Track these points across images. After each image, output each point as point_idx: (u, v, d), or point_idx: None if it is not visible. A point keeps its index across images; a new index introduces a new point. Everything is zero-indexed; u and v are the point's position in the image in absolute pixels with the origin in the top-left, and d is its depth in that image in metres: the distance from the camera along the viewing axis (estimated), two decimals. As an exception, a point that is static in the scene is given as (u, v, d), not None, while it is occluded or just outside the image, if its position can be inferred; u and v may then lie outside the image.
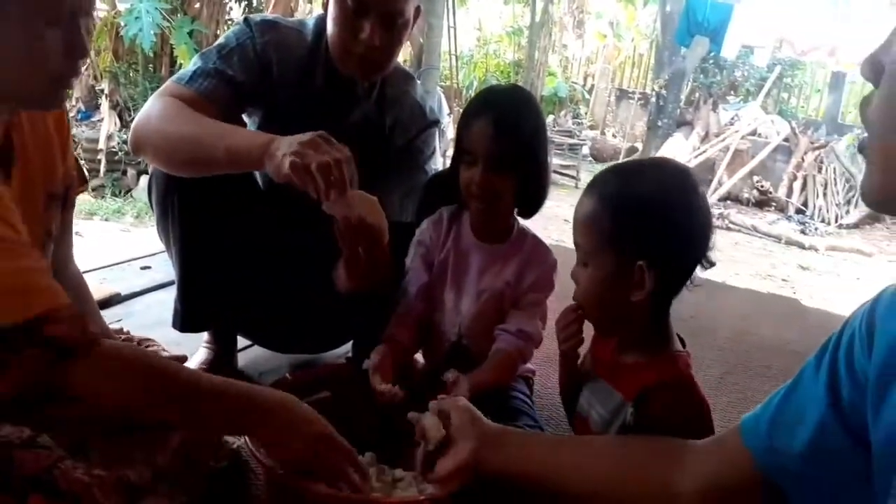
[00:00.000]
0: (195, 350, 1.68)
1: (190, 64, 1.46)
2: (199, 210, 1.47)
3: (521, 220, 1.54)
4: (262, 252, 1.59)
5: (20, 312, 0.88)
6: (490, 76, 9.63)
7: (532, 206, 1.48)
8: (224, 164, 1.30)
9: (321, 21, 1.52)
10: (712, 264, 1.07)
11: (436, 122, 1.65)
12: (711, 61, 8.78)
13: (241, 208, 1.49)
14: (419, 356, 1.64)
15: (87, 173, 1.33)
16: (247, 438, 1.16)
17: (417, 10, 1.48)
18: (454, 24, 6.93)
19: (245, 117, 1.57)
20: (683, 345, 1.11)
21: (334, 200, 1.19)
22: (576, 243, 1.11)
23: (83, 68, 1.01)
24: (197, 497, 1.27)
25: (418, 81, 1.66)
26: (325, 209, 1.21)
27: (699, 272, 1.08)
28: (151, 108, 1.38)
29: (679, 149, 7.51)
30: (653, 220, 1.02)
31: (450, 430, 1.03)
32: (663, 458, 0.92)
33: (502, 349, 1.45)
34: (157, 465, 1.18)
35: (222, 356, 1.67)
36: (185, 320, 1.59)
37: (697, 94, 8.89)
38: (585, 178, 7.05)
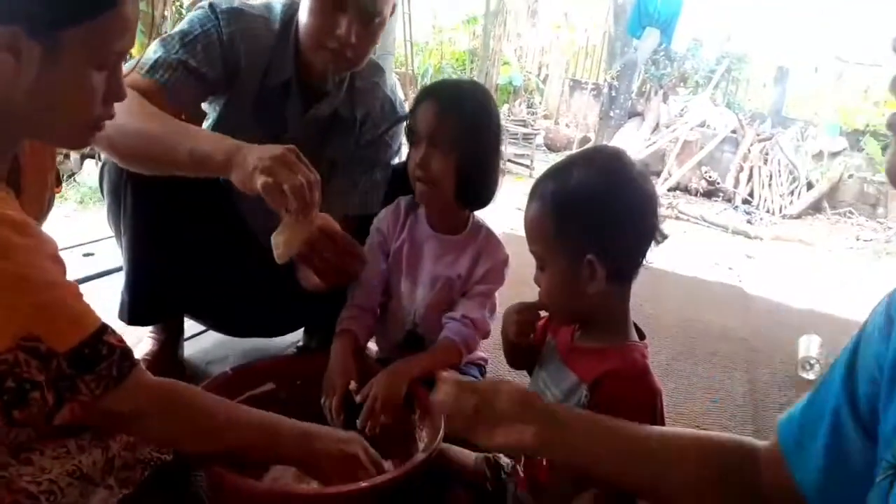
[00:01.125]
0: (139, 339, 1.64)
1: (149, 50, 1.39)
2: (152, 201, 1.43)
3: (476, 214, 1.56)
4: (213, 241, 1.55)
5: (78, 334, 0.89)
6: (445, 64, 9.60)
7: (477, 196, 1.48)
8: (186, 167, 1.24)
9: (289, 8, 1.48)
10: (665, 237, 1.09)
11: (405, 117, 1.63)
12: (662, 53, 8.89)
13: (193, 197, 1.45)
14: (372, 344, 1.64)
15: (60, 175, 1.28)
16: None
17: (393, 6, 1.47)
18: (409, 10, 6.88)
19: (205, 105, 1.53)
20: (641, 335, 1.13)
21: (300, 221, 1.18)
22: (530, 249, 1.12)
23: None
24: (141, 488, 1.24)
25: (387, 73, 1.65)
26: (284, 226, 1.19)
27: (653, 248, 1.09)
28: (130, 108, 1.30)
29: (631, 139, 7.61)
30: (590, 212, 1.04)
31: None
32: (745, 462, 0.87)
33: (446, 337, 1.46)
34: (111, 452, 1.16)
35: (167, 347, 1.64)
36: (133, 313, 1.54)
37: (648, 86, 9.00)
38: (539, 167, 7.09)
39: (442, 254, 1.52)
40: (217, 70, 1.42)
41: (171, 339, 1.66)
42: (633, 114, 8.44)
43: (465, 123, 1.39)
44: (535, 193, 1.11)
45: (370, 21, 1.39)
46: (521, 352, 1.27)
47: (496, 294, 1.56)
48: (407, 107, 1.61)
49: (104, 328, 0.93)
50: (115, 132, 1.25)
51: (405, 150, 1.64)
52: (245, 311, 1.66)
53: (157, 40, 1.43)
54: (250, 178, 1.15)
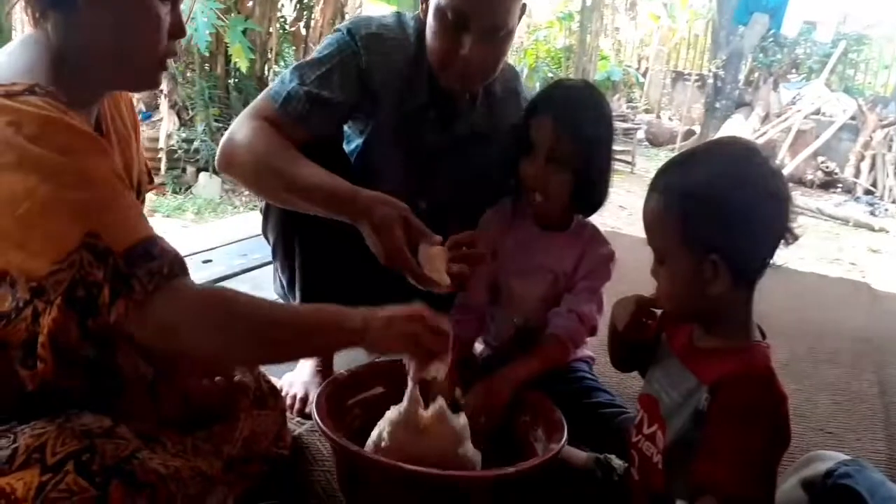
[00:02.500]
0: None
1: (284, 78, 1.41)
2: (320, 249, 1.48)
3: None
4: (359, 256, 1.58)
5: (135, 234, 0.95)
6: (541, 63, 9.52)
7: (590, 205, 1.49)
8: (320, 211, 1.32)
9: (422, 24, 1.45)
10: (796, 238, 1.02)
11: None
12: (771, 39, 8.47)
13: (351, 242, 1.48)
14: (478, 344, 1.65)
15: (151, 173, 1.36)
16: (316, 416, 1.19)
17: (523, 8, 1.40)
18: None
19: (346, 127, 1.56)
20: (763, 335, 1.07)
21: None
22: (649, 243, 1.07)
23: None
24: (260, 482, 1.30)
25: (521, 77, 1.60)
26: None
27: (781, 248, 1.03)
28: (244, 132, 1.35)
29: (739, 131, 7.28)
30: (719, 208, 0.98)
31: None
32: None
33: (552, 334, 1.45)
34: (225, 456, 1.22)
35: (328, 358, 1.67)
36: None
37: (757, 74, 8.59)
38: (641, 163, 6.91)
39: (549, 250, 1.52)
40: (353, 98, 1.42)
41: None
42: (741, 104, 8.08)
43: (583, 139, 1.37)
44: (658, 185, 1.05)
45: (495, 35, 1.34)
46: (629, 350, 1.24)
47: (602, 291, 1.53)
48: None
49: (158, 236, 0.98)
50: (252, 172, 1.34)
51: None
52: None
53: (292, 68, 1.43)
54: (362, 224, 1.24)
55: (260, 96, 1.43)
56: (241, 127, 1.36)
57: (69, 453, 0.98)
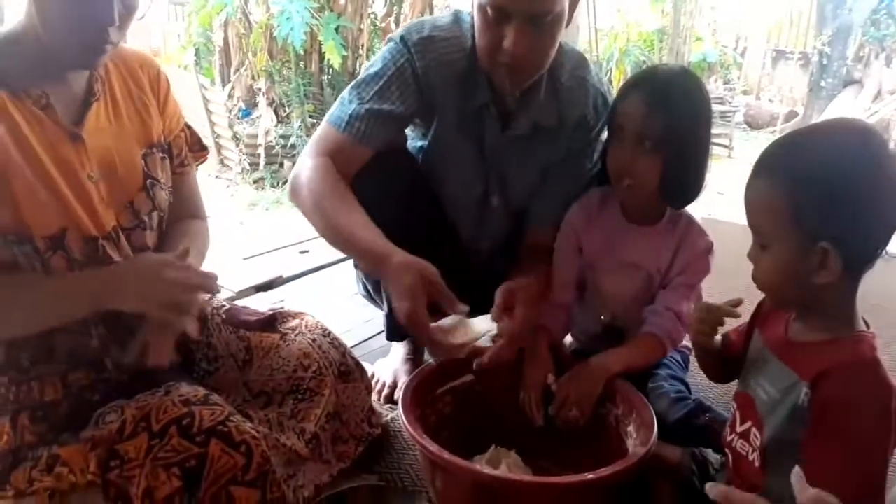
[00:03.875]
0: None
1: (344, 100, 1.42)
2: None
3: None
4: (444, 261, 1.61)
5: None
6: (632, 46, 9.27)
7: (684, 193, 1.40)
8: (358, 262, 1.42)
9: None
10: None
11: (607, 106, 1.52)
12: (884, 11, 7.93)
13: (433, 231, 1.52)
14: (568, 338, 1.63)
15: (210, 149, 1.46)
16: (401, 411, 1.22)
17: None
18: (593, -5, 6.74)
19: (408, 130, 1.57)
20: (867, 326, 1.02)
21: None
22: (750, 225, 1.03)
23: (116, 38, 1.10)
24: (351, 463, 1.35)
25: (591, 63, 1.52)
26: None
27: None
28: (306, 172, 1.37)
29: (847, 109, 6.88)
30: (834, 192, 0.92)
31: None
32: None
33: (648, 332, 1.41)
34: (308, 434, 1.28)
35: (419, 350, 1.73)
36: (393, 336, 1.69)
37: (867, 49, 8.07)
38: (739, 146, 6.64)
39: (640, 246, 1.46)
40: (413, 106, 1.42)
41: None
42: (850, 82, 7.62)
43: (676, 121, 1.30)
44: (765, 165, 1.00)
45: (541, 22, 1.27)
46: (713, 359, 1.20)
47: (701, 285, 1.48)
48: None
49: None
50: (309, 210, 1.37)
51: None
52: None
53: (351, 87, 1.43)
54: (394, 302, 1.24)
55: (323, 124, 1.44)
56: (304, 163, 1.39)
57: (171, 419, 1.08)
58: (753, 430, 1.07)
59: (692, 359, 1.57)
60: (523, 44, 1.27)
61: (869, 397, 0.93)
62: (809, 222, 0.94)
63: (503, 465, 1.13)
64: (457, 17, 1.46)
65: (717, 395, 1.71)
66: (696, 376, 1.51)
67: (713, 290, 1.47)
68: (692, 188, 1.39)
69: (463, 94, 1.43)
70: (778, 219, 0.97)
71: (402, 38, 1.41)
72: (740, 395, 1.13)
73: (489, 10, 1.27)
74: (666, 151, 1.31)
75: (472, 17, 1.39)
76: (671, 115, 1.29)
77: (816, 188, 0.93)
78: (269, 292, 2.27)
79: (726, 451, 1.15)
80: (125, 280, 1.12)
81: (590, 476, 1.06)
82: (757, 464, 1.06)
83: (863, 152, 0.94)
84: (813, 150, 0.98)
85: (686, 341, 1.52)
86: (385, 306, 1.61)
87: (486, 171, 1.50)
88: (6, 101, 1.06)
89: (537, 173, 1.51)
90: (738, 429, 1.11)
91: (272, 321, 1.44)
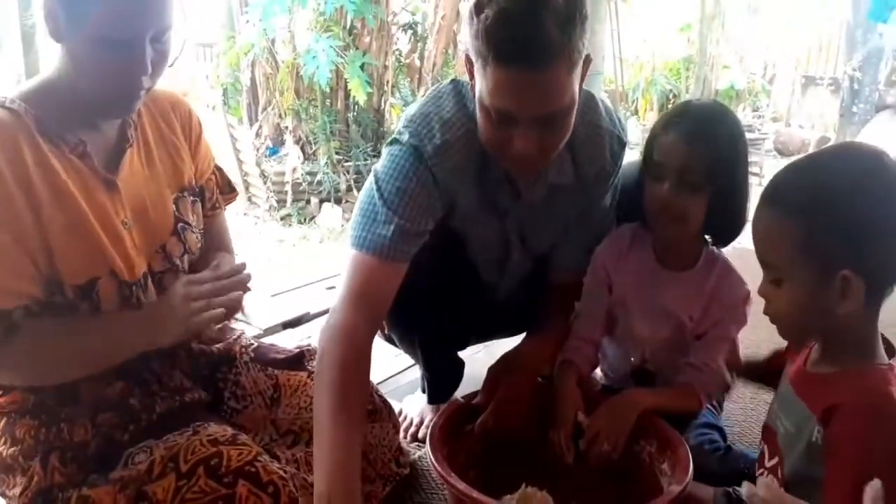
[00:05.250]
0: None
1: (373, 217, 1.29)
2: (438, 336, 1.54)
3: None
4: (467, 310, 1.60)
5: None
6: (658, 75, 9.28)
7: (726, 233, 1.36)
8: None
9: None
10: None
11: (624, 147, 1.47)
12: (915, 35, 7.83)
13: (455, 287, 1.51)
14: (598, 373, 1.61)
15: (238, 187, 1.50)
16: (429, 451, 1.20)
17: (587, 62, 1.19)
18: (617, 26, 6.77)
19: None
20: (891, 353, 0.98)
21: None
22: (761, 260, 0.99)
23: (149, 85, 1.12)
24: (379, 503, 1.33)
25: (598, 99, 1.42)
26: None
27: None
28: (329, 352, 1.23)
29: (881, 134, 6.76)
30: (847, 218, 0.90)
31: None
32: None
33: (687, 383, 1.38)
34: None
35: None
36: (435, 399, 1.66)
37: (899, 73, 7.97)
38: (769, 174, 6.55)
39: (672, 290, 1.41)
40: (438, 213, 1.34)
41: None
42: (883, 107, 7.48)
43: (719, 156, 1.26)
44: (773, 197, 0.97)
45: (552, 119, 1.16)
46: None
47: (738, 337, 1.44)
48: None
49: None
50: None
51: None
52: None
53: (370, 205, 1.31)
54: None
55: (355, 251, 1.31)
56: (333, 327, 1.25)
57: (199, 459, 1.08)
58: (779, 464, 1.04)
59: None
60: (533, 145, 1.17)
61: (879, 434, 0.89)
62: (825, 251, 0.91)
63: None
64: (459, 95, 1.33)
65: (747, 429, 1.66)
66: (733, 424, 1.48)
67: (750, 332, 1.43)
68: (737, 223, 1.35)
69: (478, 177, 1.36)
70: (790, 250, 0.94)
71: (415, 147, 1.29)
72: (765, 428, 1.11)
73: (493, 114, 1.16)
74: (711, 188, 1.28)
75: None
76: (714, 149, 1.26)
77: (830, 214, 0.91)
78: (297, 329, 2.28)
79: None
80: (162, 316, 1.15)
81: None
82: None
83: (875, 173, 0.92)
84: (822, 176, 0.95)
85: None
86: (424, 379, 1.63)
87: (505, 233, 1.46)
88: (45, 148, 1.08)
89: (559, 229, 1.48)
90: (767, 464, 1.08)
91: (300, 359, 1.44)
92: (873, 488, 0.62)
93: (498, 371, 1.40)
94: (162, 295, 1.20)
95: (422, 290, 1.35)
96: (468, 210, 1.39)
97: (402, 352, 1.68)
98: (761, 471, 1.09)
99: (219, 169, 1.42)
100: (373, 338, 1.30)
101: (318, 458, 1.13)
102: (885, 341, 0.99)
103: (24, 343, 1.07)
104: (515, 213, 1.43)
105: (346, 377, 1.19)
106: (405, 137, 1.31)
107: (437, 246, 1.39)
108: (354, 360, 1.22)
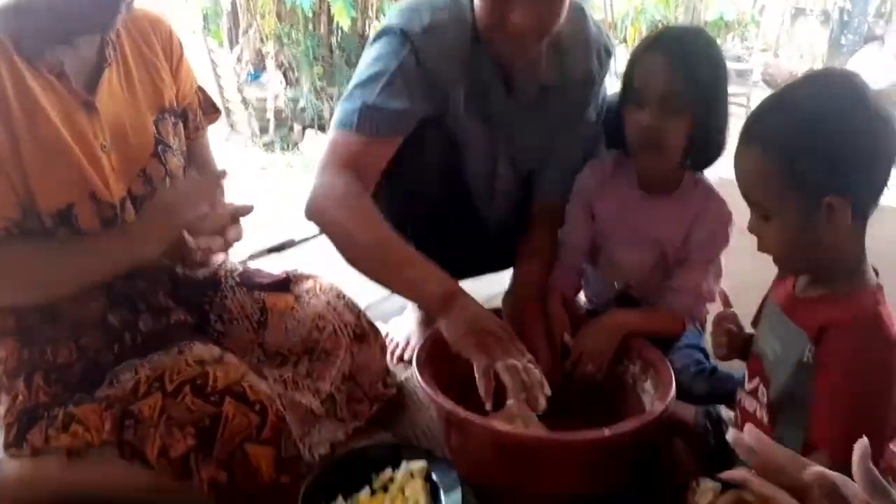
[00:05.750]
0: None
1: (347, 103, 1.31)
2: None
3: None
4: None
5: None
6: (648, 4, 9.08)
7: (705, 158, 1.36)
8: (400, 292, 1.32)
9: None
10: None
11: (610, 56, 1.47)
12: (907, -36, 7.70)
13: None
14: (582, 298, 1.62)
15: (219, 102, 1.46)
16: (416, 370, 1.21)
17: None
18: (608, -49, 6.58)
19: None
20: (877, 273, 0.99)
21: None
22: (747, 199, 1.00)
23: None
24: (366, 421, 1.35)
25: (587, 12, 1.43)
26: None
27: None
28: (328, 187, 1.28)
29: (868, 65, 6.71)
30: (826, 145, 0.90)
31: None
32: None
33: (671, 308, 1.39)
34: (323, 394, 1.28)
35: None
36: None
37: (889, 5, 7.87)
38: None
39: (655, 217, 1.41)
40: (421, 99, 1.32)
41: None
42: (871, 38, 7.43)
43: (700, 83, 1.25)
44: (750, 134, 0.97)
45: None
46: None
47: (721, 257, 1.44)
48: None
49: None
50: (339, 235, 1.28)
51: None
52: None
53: (352, 87, 1.32)
54: (460, 341, 1.16)
55: (332, 131, 1.34)
56: (326, 185, 1.29)
57: (185, 379, 1.08)
58: (761, 387, 1.06)
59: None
60: (532, 16, 1.19)
61: (869, 352, 0.91)
62: (809, 181, 0.91)
63: (518, 423, 1.12)
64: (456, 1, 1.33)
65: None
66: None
67: (727, 253, 1.44)
68: (717, 148, 1.34)
69: (468, 73, 1.35)
70: (776, 186, 0.94)
71: (402, 31, 1.29)
72: (752, 354, 1.12)
73: None
74: (692, 116, 1.27)
75: None
76: (694, 74, 1.24)
77: (809, 144, 0.91)
78: (282, 254, 2.28)
79: (737, 409, 1.14)
80: (152, 221, 1.13)
81: (606, 432, 1.05)
82: (765, 421, 1.05)
83: (846, 97, 0.92)
84: (797, 107, 0.95)
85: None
86: None
87: (493, 139, 1.45)
88: (22, 68, 1.03)
89: (545, 136, 1.46)
90: (748, 387, 1.10)
91: (286, 283, 1.44)
92: (861, 446, 0.64)
93: (523, 299, 1.40)
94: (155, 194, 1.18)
95: (414, 219, 1.35)
96: (458, 110, 1.37)
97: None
98: (741, 394, 1.12)
99: (201, 89, 1.38)
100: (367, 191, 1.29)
101: (405, 272, 1.22)
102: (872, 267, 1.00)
103: (5, 260, 1.05)
104: (505, 117, 1.41)
105: (366, 201, 1.25)
106: (393, 21, 1.31)
107: (428, 173, 1.39)
108: (360, 189, 1.26)
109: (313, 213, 1.29)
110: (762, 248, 1.02)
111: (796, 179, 0.92)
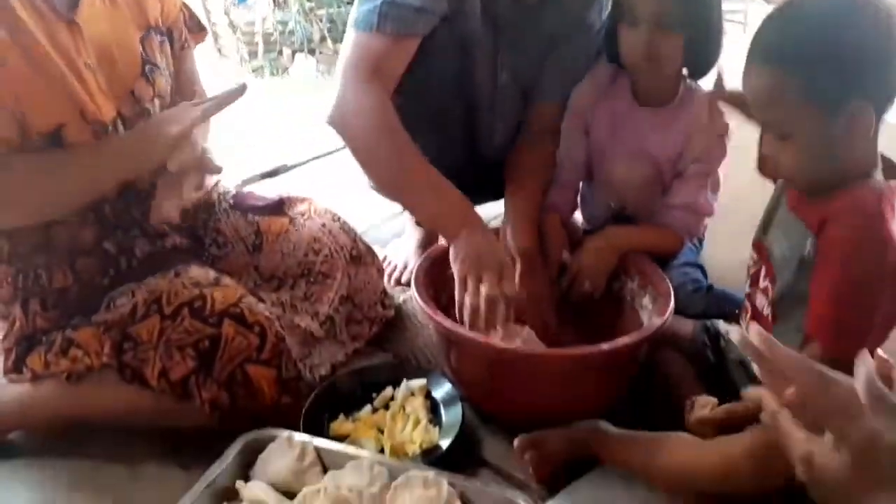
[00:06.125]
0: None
1: (363, 6, 1.28)
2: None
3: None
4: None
5: None
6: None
7: (702, 67, 1.33)
8: (416, 212, 1.38)
9: None
10: None
11: None
12: None
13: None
14: (578, 219, 1.60)
15: (206, 24, 1.42)
16: (414, 289, 1.21)
17: None
18: None
19: None
20: (893, 173, 0.97)
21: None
22: (763, 121, 0.97)
23: None
24: (366, 343, 1.36)
25: None
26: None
27: None
28: (353, 98, 1.25)
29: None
30: (843, 51, 0.87)
31: None
32: None
33: (667, 224, 1.37)
34: (321, 316, 1.28)
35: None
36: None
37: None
38: (754, 21, 6.34)
39: (650, 130, 1.38)
40: (441, 6, 1.29)
41: None
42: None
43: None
44: (761, 52, 0.93)
45: None
46: None
47: (718, 171, 1.41)
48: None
49: None
50: (366, 156, 1.27)
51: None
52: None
53: None
54: (455, 265, 1.17)
55: (350, 33, 1.30)
56: (351, 96, 1.26)
57: (183, 302, 1.08)
58: (769, 284, 1.06)
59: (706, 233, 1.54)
60: None
61: (865, 244, 0.91)
62: (829, 91, 0.89)
63: (517, 341, 1.12)
64: None
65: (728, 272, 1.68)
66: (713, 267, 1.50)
67: (732, 169, 1.41)
68: (713, 59, 1.32)
69: None
70: (794, 103, 0.91)
71: None
72: (757, 245, 1.11)
73: None
74: (688, 30, 1.24)
75: None
76: None
77: (824, 53, 0.88)
78: (275, 179, 2.25)
79: (747, 302, 1.13)
80: (148, 135, 1.12)
81: (604, 347, 1.05)
82: (770, 318, 1.05)
83: (855, 1, 0.90)
84: (805, 18, 0.91)
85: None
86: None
87: (497, 44, 1.41)
88: None
89: (545, 44, 1.43)
90: (760, 284, 1.09)
91: (280, 205, 1.42)
92: (866, 364, 0.63)
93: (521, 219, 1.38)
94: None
95: (416, 137, 1.32)
96: (473, 9, 1.34)
97: (381, 202, 1.66)
98: (753, 288, 1.11)
99: (186, 6, 1.33)
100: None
101: (425, 193, 1.23)
102: (885, 160, 0.98)
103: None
104: (510, 19, 1.37)
105: (391, 117, 1.23)
106: None
107: (434, 82, 1.36)
108: (386, 102, 1.24)
109: (337, 124, 1.28)
110: (781, 169, 0.99)
111: (816, 91, 0.89)
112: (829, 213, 0.94)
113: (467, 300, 1.12)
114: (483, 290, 1.11)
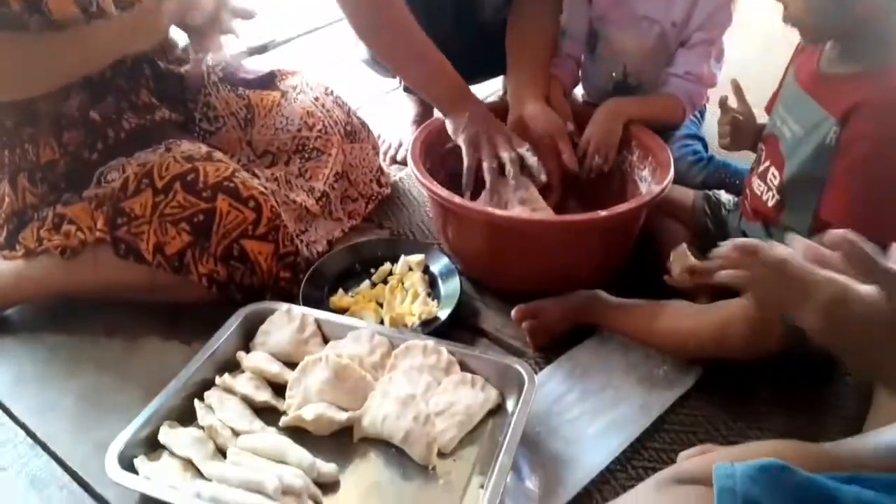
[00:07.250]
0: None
1: None
2: None
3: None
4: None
5: None
6: None
7: None
8: (413, 83, 1.38)
9: None
10: None
11: None
12: None
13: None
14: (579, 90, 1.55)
15: None
16: (411, 162, 1.18)
17: None
18: None
19: None
20: None
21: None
22: None
23: None
24: (362, 220, 1.35)
25: None
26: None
27: None
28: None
29: None
30: None
31: None
32: None
33: (669, 94, 1.33)
34: (317, 192, 1.26)
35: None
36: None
37: None
38: None
39: None
40: None
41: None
42: None
43: None
44: None
45: None
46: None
47: (723, 39, 1.35)
48: None
49: None
50: (385, 53, 1.31)
51: None
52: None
53: None
54: (459, 135, 1.21)
55: None
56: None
57: (175, 175, 1.05)
58: (772, 169, 1.04)
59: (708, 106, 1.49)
60: None
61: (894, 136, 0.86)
62: None
63: (521, 197, 1.13)
64: None
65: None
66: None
67: (737, 38, 1.35)
68: None
69: None
70: None
71: None
72: (766, 137, 1.08)
73: None
74: None
75: None
76: None
77: None
78: (264, 55, 2.17)
79: (746, 188, 1.12)
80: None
81: (602, 213, 1.04)
82: (770, 203, 1.03)
83: None
84: None
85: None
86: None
87: None
88: None
89: None
90: (759, 169, 1.08)
91: (271, 79, 1.37)
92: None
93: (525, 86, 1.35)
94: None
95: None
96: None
97: (375, 78, 1.61)
98: (752, 174, 1.09)
99: None
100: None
101: (422, 65, 1.25)
102: None
103: None
104: None
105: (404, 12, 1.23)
106: None
107: None
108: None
109: (358, 32, 1.29)
110: (789, 10, 0.93)
111: None
112: (857, 101, 0.88)
113: (486, 163, 1.17)
114: (501, 152, 1.17)
